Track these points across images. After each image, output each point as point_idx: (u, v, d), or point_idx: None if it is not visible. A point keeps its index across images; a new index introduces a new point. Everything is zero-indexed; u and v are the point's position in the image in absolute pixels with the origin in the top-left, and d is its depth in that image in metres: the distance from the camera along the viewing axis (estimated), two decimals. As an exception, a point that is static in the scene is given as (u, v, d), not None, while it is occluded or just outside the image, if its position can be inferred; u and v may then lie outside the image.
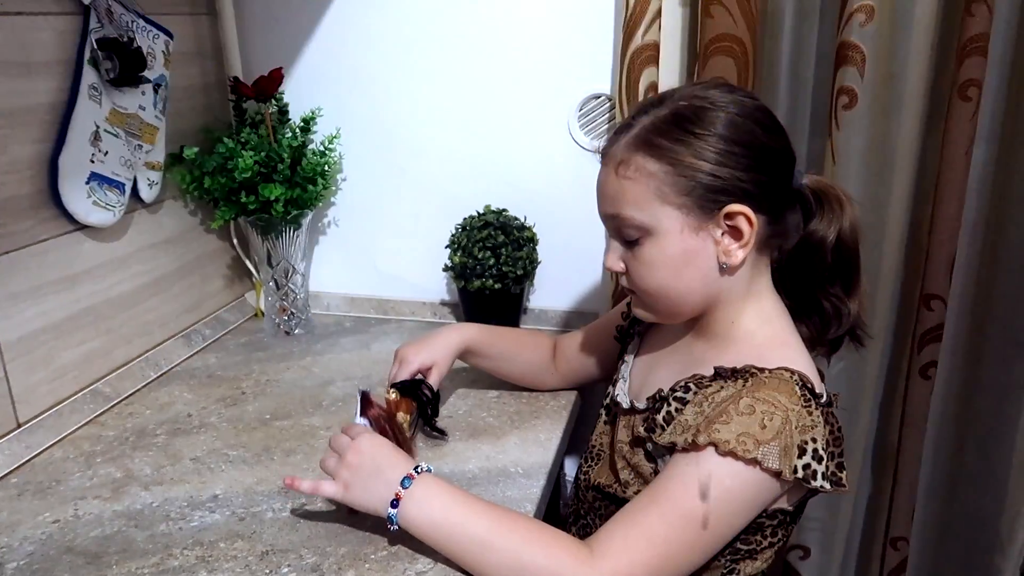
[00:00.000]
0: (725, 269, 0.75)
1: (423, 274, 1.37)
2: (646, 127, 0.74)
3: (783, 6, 1.06)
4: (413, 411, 0.95)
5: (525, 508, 0.86)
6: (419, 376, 0.97)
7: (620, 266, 0.79)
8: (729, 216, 0.73)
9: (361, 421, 0.86)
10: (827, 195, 0.78)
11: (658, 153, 0.73)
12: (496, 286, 1.20)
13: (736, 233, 0.74)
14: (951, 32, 1.03)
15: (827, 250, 0.78)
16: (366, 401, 0.88)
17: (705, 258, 0.75)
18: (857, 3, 0.99)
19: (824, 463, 0.69)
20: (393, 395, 0.93)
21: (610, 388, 0.91)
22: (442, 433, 0.98)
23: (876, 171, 1.07)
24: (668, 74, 1.11)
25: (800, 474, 0.68)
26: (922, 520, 1.26)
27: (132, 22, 1.05)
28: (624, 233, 0.77)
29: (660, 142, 0.73)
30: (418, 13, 1.24)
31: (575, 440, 1.11)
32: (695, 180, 0.72)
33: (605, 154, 0.78)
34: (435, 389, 0.97)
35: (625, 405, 0.85)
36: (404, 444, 0.87)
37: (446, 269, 1.26)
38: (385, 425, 0.86)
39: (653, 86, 1.11)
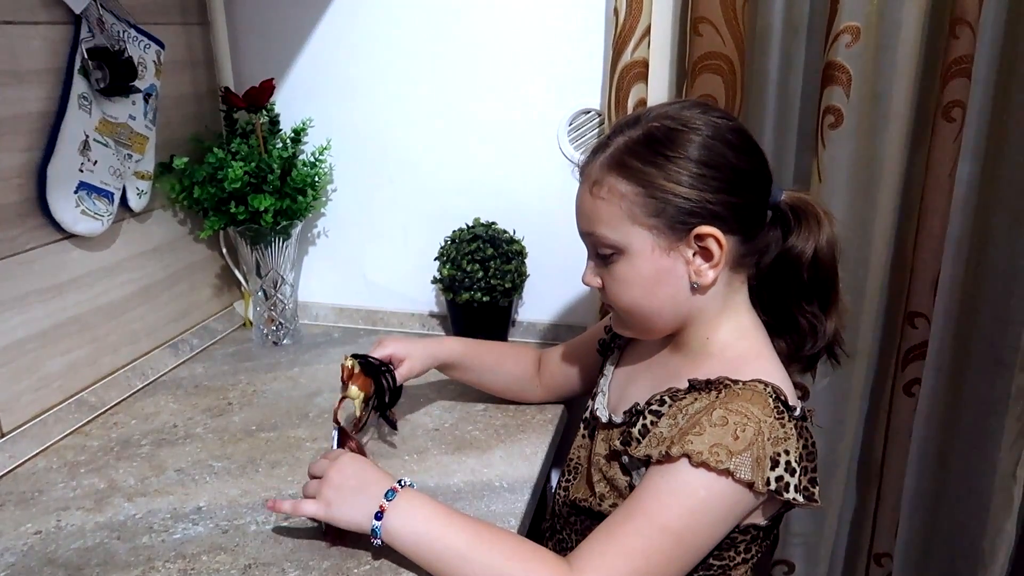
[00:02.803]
0: (697, 288, 0.76)
1: (412, 286, 1.37)
2: (620, 148, 0.75)
3: (771, 25, 1.07)
4: (370, 393, 0.93)
5: (509, 523, 0.86)
6: (390, 364, 0.97)
7: (597, 282, 0.81)
8: (699, 237, 0.74)
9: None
10: (805, 211, 0.78)
11: (629, 174, 0.74)
12: (484, 299, 1.21)
13: (706, 254, 0.75)
14: (936, 54, 1.05)
15: (803, 266, 0.78)
16: (344, 434, 0.88)
17: (676, 277, 0.76)
18: (843, 24, 1.01)
19: (797, 476, 0.70)
20: (350, 362, 0.92)
21: (589, 402, 0.92)
22: (392, 425, 0.98)
23: (861, 190, 1.08)
24: (657, 91, 1.12)
25: (773, 486, 0.69)
26: (906, 535, 1.27)
27: (123, 32, 1.05)
28: (599, 251, 0.79)
29: (632, 163, 0.74)
30: (409, 26, 1.24)
31: (561, 454, 1.12)
32: (665, 202, 0.73)
33: (582, 173, 0.80)
34: (399, 381, 0.96)
35: (604, 419, 0.86)
36: (361, 451, 0.87)
37: (435, 281, 1.26)
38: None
39: (642, 102, 1.12)
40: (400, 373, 0.96)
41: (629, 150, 0.75)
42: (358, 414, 0.91)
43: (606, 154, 0.76)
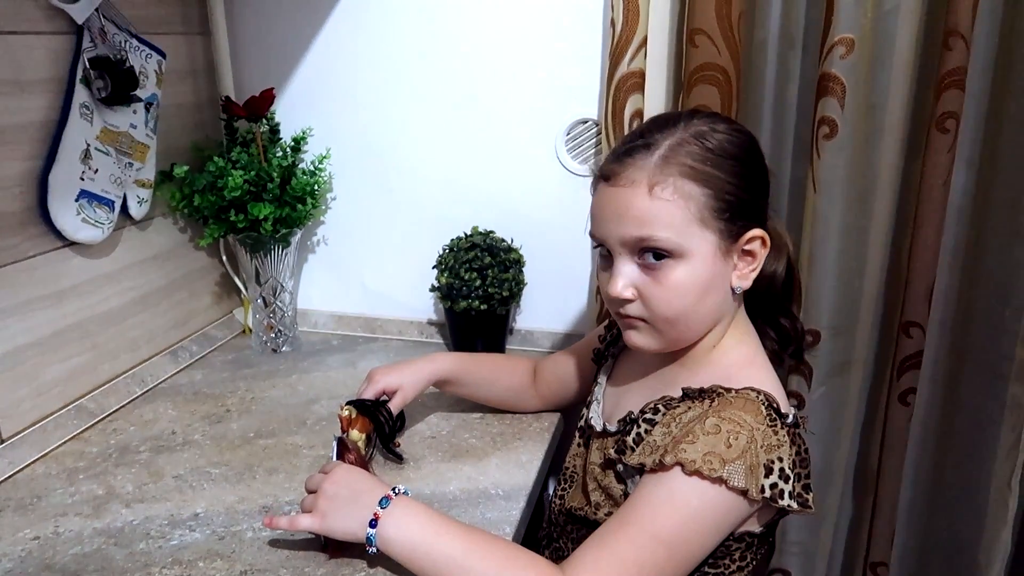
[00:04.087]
0: (735, 293, 0.77)
1: (411, 293, 1.38)
2: (674, 149, 0.73)
3: (767, 36, 1.08)
4: (370, 431, 0.95)
5: (504, 530, 0.86)
6: (384, 398, 0.98)
7: (631, 292, 0.76)
8: (750, 240, 0.75)
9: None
10: (775, 231, 0.81)
11: (695, 175, 0.72)
12: (482, 307, 1.21)
13: (750, 256, 0.76)
14: (929, 66, 1.05)
15: (779, 281, 0.82)
16: (343, 446, 0.89)
17: (724, 283, 0.76)
18: (838, 36, 1.01)
19: (791, 483, 0.70)
20: (346, 412, 0.94)
21: (584, 410, 0.92)
22: (399, 457, 0.99)
23: (856, 200, 1.09)
24: (653, 101, 1.12)
25: (767, 494, 0.69)
26: (902, 545, 1.27)
27: (125, 42, 1.06)
28: (649, 256, 0.74)
29: (695, 164, 0.72)
30: (409, 37, 1.26)
31: (558, 462, 1.12)
32: (729, 204, 0.73)
33: (619, 174, 0.74)
34: (395, 412, 0.97)
35: (598, 428, 0.86)
36: (362, 463, 0.88)
37: (433, 289, 1.27)
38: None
39: (638, 112, 1.13)
40: (394, 405, 0.97)
41: (687, 151, 0.73)
42: (363, 453, 0.92)
43: (658, 155, 0.73)
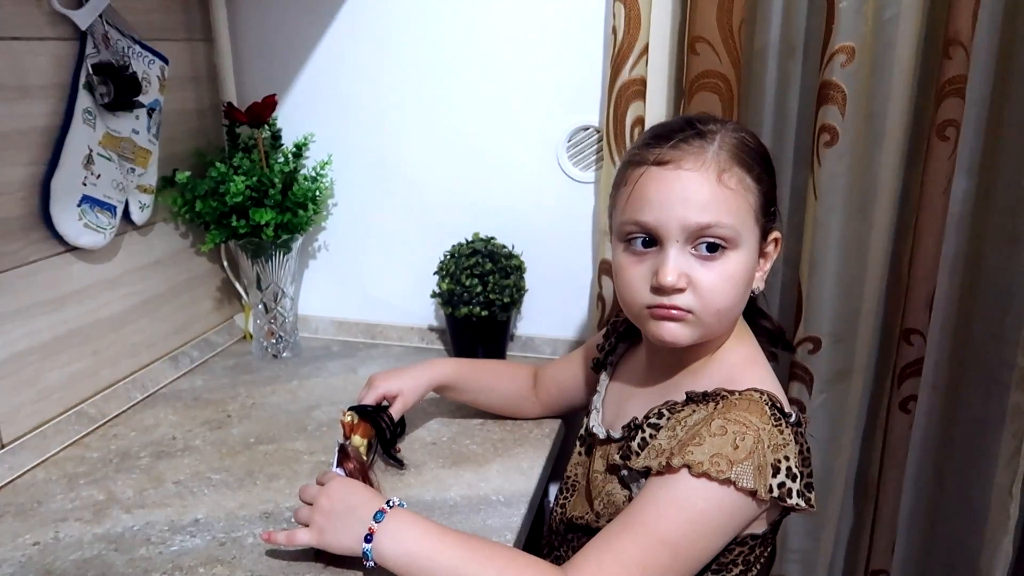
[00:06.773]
0: (753, 293, 0.80)
1: (411, 299, 1.38)
2: (727, 141, 0.74)
3: (768, 44, 1.09)
4: (371, 437, 0.95)
5: (505, 537, 0.86)
6: (384, 403, 0.98)
7: (685, 281, 0.74)
8: (771, 240, 0.79)
9: (337, 471, 0.86)
10: None
11: (749, 169, 0.74)
12: (483, 313, 1.21)
13: (764, 258, 0.79)
14: (930, 74, 1.06)
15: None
16: (343, 454, 0.89)
17: (752, 280, 0.78)
18: (838, 44, 1.02)
19: (798, 481, 0.71)
20: (348, 417, 0.94)
21: (584, 419, 0.92)
22: (399, 463, 0.99)
23: (857, 207, 1.09)
24: (654, 109, 1.12)
25: (776, 493, 0.69)
26: (903, 552, 1.27)
27: (128, 48, 1.06)
28: (701, 247, 0.73)
29: (747, 160, 0.74)
30: (410, 43, 1.26)
31: (558, 469, 1.12)
32: (770, 202, 0.76)
33: (680, 159, 0.73)
34: (395, 418, 0.98)
35: (601, 435, 0.86)
36: (363, 470, 0.88)
37: (434, 295, 1.27)
38: (360, 479, 0.85)
39: (639, 120, 1.13)
40: (395, 410, 0.98)
41: (741, 146, 0.74)
42: (364, 459, 0.92)
43: (716, 144, 0.73)
